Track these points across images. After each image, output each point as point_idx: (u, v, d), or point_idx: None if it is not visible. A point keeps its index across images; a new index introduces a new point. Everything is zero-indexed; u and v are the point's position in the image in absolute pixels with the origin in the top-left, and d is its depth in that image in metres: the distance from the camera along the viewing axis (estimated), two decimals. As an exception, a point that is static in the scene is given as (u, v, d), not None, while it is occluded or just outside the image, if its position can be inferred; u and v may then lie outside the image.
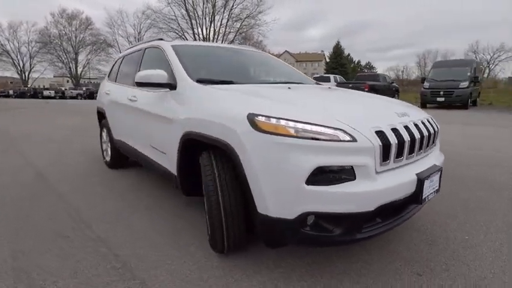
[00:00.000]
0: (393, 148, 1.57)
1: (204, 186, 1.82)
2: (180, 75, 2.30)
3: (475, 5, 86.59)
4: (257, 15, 32.13)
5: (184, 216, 2.52)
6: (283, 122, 1.52)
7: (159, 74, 2.28)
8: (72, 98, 34.38)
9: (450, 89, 12.86)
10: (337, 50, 51.72)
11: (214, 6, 31.97)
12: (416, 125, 1.79)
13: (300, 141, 1.45)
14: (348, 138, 1.46)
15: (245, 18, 32.71)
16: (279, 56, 55.32)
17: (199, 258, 1.92)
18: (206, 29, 33.38)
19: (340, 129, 1.47)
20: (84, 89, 37.30)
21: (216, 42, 33.78)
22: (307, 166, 1.43)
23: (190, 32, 33.35)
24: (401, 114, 1.80)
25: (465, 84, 12.81)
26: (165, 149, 2.39)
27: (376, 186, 1.48)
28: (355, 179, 1.47)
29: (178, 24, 32.98)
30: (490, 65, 49.44)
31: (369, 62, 69.53)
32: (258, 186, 1.54)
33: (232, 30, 33.23)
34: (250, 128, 1.55)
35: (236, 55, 3.12)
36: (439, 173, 1.83)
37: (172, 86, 2.30)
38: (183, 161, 2.15)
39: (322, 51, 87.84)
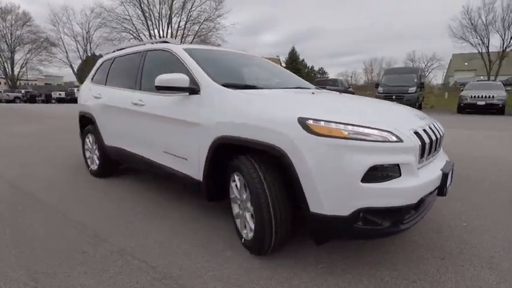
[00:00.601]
0: (427, 147, 1.77)
1: (250, 189, 1.83)
2: (204, 79, 2.29)
3: (412, 19, 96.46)
4: (216, 18, 32.07)
5: (202, 221, 2.49)
6: (334, 125, 1.62)
7: (181, 78, 2.24)
8: (9, 101, 30.69)
9: (401, 94, 14.18)
10: (293, 56, 53.62)
11: (171, 8, 31.14)
12: (431, 127, 2.02)
13: (355, 142, 1.57)
14: (395, 139, 1.61)
15: (203, 21, 32.44)
16: (237, 60, 55.38)
17: (240, 261, 1.92)
18: (163, 30, 32.38)
19: (388, 131, 1.62)
20: (23, 91, 33.52)
21: (174, 44, 32.89)
22: (364, 165, 1.55)
23: (147, 33, 32.05)
24: (421, 118, 2.02)
25: (413, 89, 14.24)
26: (186, 155, 2.34)
27: (418, 181, 1.66)
28: (400, 175, 1.63)
29: (133, 24, 31.50)
30: (425, 72, 55.42)
31: (321, 68, 73.07)
32: (312, 187, 1.62)
33: (190, 33, 32.67)
34: (304, 132, 1.63)
35: (243, 60, 3.16)
36: (453, 168, 2.09)
37: (194, 90, 2.28)
38: (212, 166, 2.14)
39: (278, 56, 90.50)
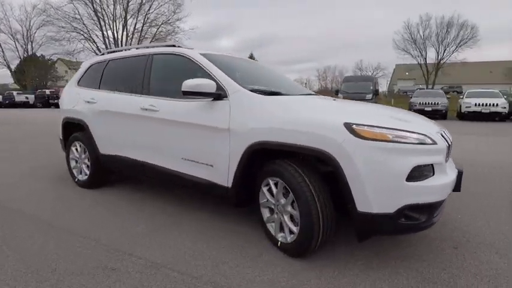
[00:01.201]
0: (451, 148, 1.99)
1: (296, 193, 1.87)
2: (231, 85, 2.28)
3: (362, 30, 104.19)
4: (175, 22, 31.31)
5: (224, 227, 2.45)
6: (377, 129, 1.75)
7: (209, 84, 2.21)
8: None
9: (359, 100, 15.26)
10: (252, 62, 54.35)
11: (126, 9, 29.68)
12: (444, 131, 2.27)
13: (398, 145, 1.71)
14: (430, 141, 1.79)
15: (161, 24, 31.47)
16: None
17: (281, 265, 1.95)
18: (117, 32, 30.70)
19: (424, 134, 1.80)
20: None
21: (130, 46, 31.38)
22: (408, 165, 1.70)
23: (99, 33, 30.08)
24: (434, 123, 2.26)
25: (370, 96, 15.38)
26: (212, 161, 2.31)
27: (447, 179, 1.86)
28: (434, 174, 1.81)
29: (84, 24, 29.34)
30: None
31: (278, 74, 75.05)
32: (360, 188, 1.72)
33: (148, 36, 31.41)
34: (351, 136, 1.73)
35: (253, 65, 3.18)
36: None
37: (220, 96, 2.27)
38: (244, 171, 2.15)
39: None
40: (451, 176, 1.92)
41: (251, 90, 2.26)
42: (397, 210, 1.72)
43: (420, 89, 22.61)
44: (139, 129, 2.77)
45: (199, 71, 2.47)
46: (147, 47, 3.08)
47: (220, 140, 2.22)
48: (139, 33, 30.83)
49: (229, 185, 2.24)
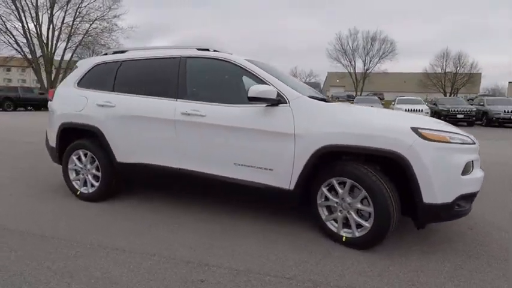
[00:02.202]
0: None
1: (371, 190, 2.07)
2: (289, 91, 2.38)
3: (296, 38, 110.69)
4: (112, 19, 28.96)
5: (277, 230, 2.52)
6: (438, 133, 2.07)
7: (272, 90, 2.29)
8: None
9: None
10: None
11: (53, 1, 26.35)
12: None
13: (455, 145, 2.06)
14: (471, 141, 2.18)
15: (95, 20, 28.77)
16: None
17: (353, 258, 2.11)
18: (40, 24, 26.97)
19: (468, 136, 2.18)
20: None
21: (57, 41, 28.04)
22: (463, 162, 2.05)
23: (18, 25, 25.99)
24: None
25: (318, 101, 16.62)
26: (272, 165, 2.37)
27: (482, 173, 2.28)
28: (473, 169, 2.21)
29: (-2, 15, 25.02)
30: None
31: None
32: (427, 182, 2.01)
33: (80, 32, 28.36)
34: (419, 139, 2.02)
35: (278, 71, 3.27)
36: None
37: (279, 101, 2.35)
38: (309, 173, 2.27)
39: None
40: (481, 171, 2.35)
41: (309, 96, 2.40)
42: (454, 199, 2.06)
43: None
44: (179, 135, 2.65)
45: (253, 78, 2.51)
46: (175, 48, 2.93)
47: (283, 144, 2.30)
48: (69, 28, 27.63)
49: (291, 187, 2.33)
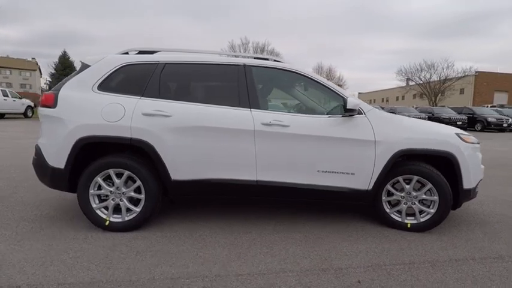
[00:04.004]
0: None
1: (436, 183, 2.62)
2: (363, 104, 2.71)
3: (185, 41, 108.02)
4: None
5: (347, 229, 2.81)
6: (468, 137, 2.83)
7: (360, 103, 2.58)
8: None
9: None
10: (65, 61, 45.22)
11: None
12: None
13: (476, 145, 2.86)
14: (477, 141, 3.05)
15: None
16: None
17: (426, 239, 2.63)
18: None
19: (473, 138, 3.04)
20: None
21: None
22: (480, 156, 2.88)
23: None
24: None
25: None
26: (354, 169, 2.64)
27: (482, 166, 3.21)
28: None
29: None
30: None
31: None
32: (468, 173, 2.72)
33: None
34: (462, 141, 2.72)
35: None
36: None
37: (359, 112, 2.66)
38: (387, 174, 2.67)
39: (34, 58, 71.91)
40: None
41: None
42: (477, 184, 2.86)
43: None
44: (259, 146, 2.55)
45: (325, 90, 2.72)
46: (237, 56, 2.77)
47: (365, 150, 2.61)
48: None
49: (370, 187, 2.67)
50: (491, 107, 24.08)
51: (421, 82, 38.15)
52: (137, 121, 2.50)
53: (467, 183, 2.74)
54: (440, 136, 2.72)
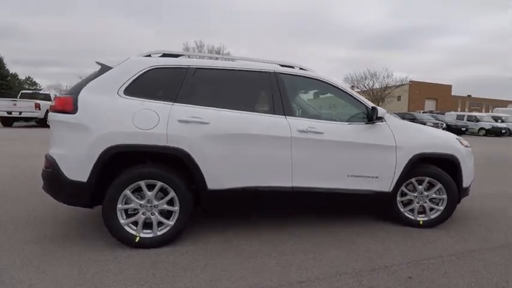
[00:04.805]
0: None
1: (446, 184, 2.94)
2: (381, 111, 2.91)
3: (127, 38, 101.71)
4: None
5: (364, 230, 2.99)
6: (464, 141, 3.23)
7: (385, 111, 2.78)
8: None
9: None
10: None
11: None
12: None
13: (469, 148, 3.26)
14: (469, 145, 3.48)
15: None
16: None
17: (436, 236, 2.93)
18: None
19: (467, 142, 3.47)
20: None
21: None
22: (473, 159, 3.30)
23: None
24: None
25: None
26: (378, 173, 2.83)
27: (463, 164, 3.67)
28: (464, 162, 3.55)
29: None
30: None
31: (29, 77, 58.76)
32: (466, 172, 3.10)
33: None
34: (462, 146, 3.10)
35: None
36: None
37: (380, 119, 2.86)
38: (405, 177, 2.90)
39: None
40: None
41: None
42: (470, 183, 3.28)
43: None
44: (295, 152, 2.58)
45: (351, 100, 2.88)
46: (257, 61, 2.76)
47: (388, 155, 2.81)
48: None
49: (390, 189, 2.88)
50: (423, 112, 27.38)
51: (365, 89, 41.67)
52: (173, 128, 2.35)
53: (466, 181, 3.11)
54: (446, 141, 3.07)
